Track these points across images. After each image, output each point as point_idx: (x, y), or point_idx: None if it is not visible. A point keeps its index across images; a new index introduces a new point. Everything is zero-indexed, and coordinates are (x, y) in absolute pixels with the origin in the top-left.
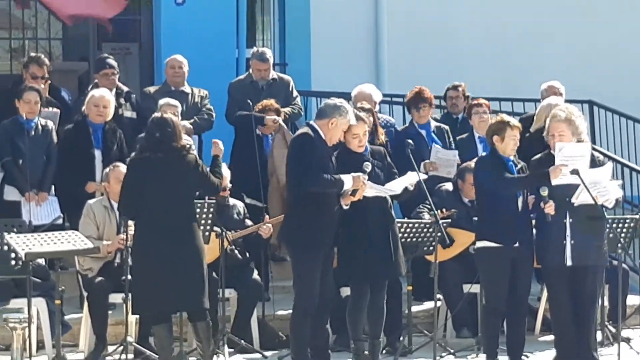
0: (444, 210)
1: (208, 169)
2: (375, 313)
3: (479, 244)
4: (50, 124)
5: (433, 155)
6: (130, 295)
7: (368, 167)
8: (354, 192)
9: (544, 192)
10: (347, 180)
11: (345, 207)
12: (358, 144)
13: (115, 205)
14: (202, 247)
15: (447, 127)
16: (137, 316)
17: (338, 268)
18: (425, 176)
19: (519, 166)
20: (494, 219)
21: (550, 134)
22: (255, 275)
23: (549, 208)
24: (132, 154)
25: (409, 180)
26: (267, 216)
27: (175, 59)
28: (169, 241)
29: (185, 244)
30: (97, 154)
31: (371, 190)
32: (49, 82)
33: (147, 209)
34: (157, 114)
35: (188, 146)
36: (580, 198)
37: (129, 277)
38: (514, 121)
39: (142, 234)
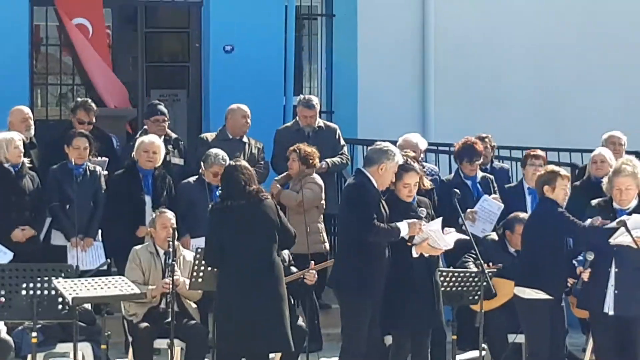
0: (490, 264)
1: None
2: None
3: (523, 294)
4: (98, 169)
5: (479, 203)
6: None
7: (423, 212)
8: (410, 239)
9: (590, 256)
10: (403, 227)
11: (415, 256)
12: (408, 194)
13: (161, 251)
14: (284, 289)
15: (492, 177)
16: None
17: (382, 315)
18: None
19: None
20: (549, 269)
21: (616, 187)
22: (300, 322)
23: (586, 275)
24: (212, 203)
25: (457, 236)
26: (312, 263)
27: (244, 108)
28: (252, 284)
29: (267, 286)
30: (147, 199)
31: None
32: (94, 127)
33: (232, 256)
34: (232, 162)
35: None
36: (618, 239)
37: (174, 321)
38: (564, 171)
39: (226, 278)
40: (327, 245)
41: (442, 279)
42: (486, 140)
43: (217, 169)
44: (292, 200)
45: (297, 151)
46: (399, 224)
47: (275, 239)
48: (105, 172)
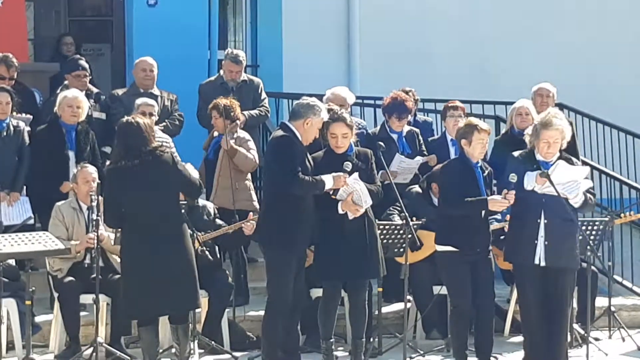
0: (414, 218)
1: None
2: (357, 313)
3: (440, 248)
4: (22, 124)
5: (395, 164)
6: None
7: (348, 166)
8: (335, 192)
9: (513, 178)
10: (328, 180)
11: (341, 212)
12: (335, 144)
13: (84, 206)
14: (190, 248)
15: (417, 130)
16: (108, 316)
17: (313, 267)
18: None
19: (486, 172)
20: (454, 225)
21: (543, 140)
22: (227, 277)
23: (510, 196)
24: (107, 164)
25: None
26: (250, 214)
27: (145, 61)
28: (158, 245)
29: (174, 246)
30: (71, 155)
31: (354, 185)
32: (16, 82)
33: (132, 217)
34: (122, 120)
35: (163, 145)
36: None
37: (99, 276)
38: (483, 124)
39: (130, 242)
40: (255, 203)
41: None
42: (410, 94)
43: (144, 108)
44: (248, 165)
45: (217, 107)
46: (323, 177)
47: (176, 196)
48: (29, 129)
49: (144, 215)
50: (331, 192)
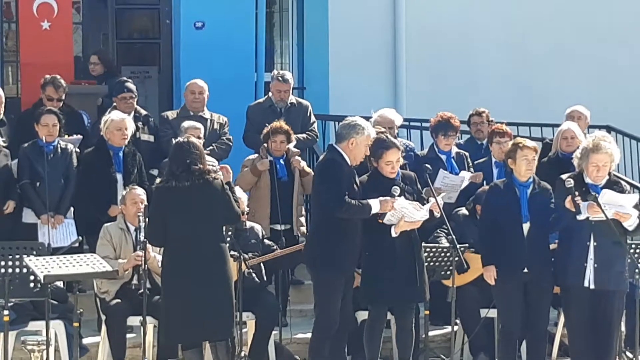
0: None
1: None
2: (404, 336)
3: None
4: (70, 146)
5: (439, 180)
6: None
7: (397, 191)
8: (382, 216)
9: (570, 183)
10: (375, 204)
11: (394, 235)
12: (390, 171)
13: (132, 228)
14: (230, 274)
15: (467, 153)
16: (155, 338)
17: (360, 290)
18: (441, 201)
19: (536, 190)
20: (498, 244)
21: (593, 164)
22: (273, 298)
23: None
24: (157, 181)
25: (428, 207)
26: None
27: (195, 84)
28: (198, 270)
29: (214, 271)
30: (119, 177)
31: (402, 210)
32: (64, 104)
33: (175, 238)
34: (180, 139)
35: (214, 170)
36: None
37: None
38: (527, 142)
39: (171, 262)
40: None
41: None
42: (483, 115)
43: (191, 132)
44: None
45: (281, 130)
46: (370, 201)
47: (220, 222)
48: (78, 150)
49: (187, 237)
50: (378, 217)
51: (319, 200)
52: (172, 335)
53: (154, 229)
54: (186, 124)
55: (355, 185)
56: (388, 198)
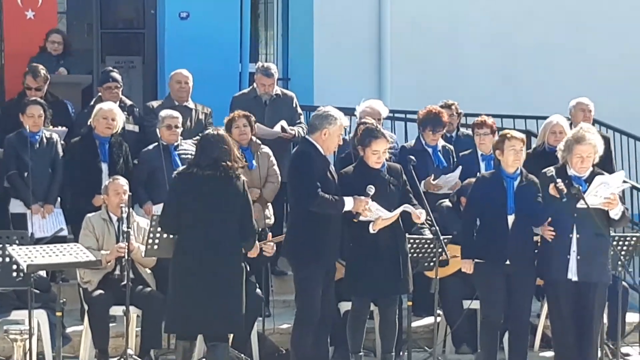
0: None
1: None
2: (388, 328)
3: (464, 261)
4: (55, 136)
5: (442, 180)
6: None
7: (371, 190)
8: (357, 215)
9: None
10: (348, 202)
11: (372, 232)
12: (376, 160)
13: (114, 218)
14: (241, 269)
15: (452, 147)
16: (138, 329)
17: (344, 281)
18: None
19: (523, 183)
20: (482, 236)
21: (577, 155)
22: (257, 289)
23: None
24: (180, 168)
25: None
26: (270, 234)
27: (180, 74)
28: (210, 261)
29: (226, 265)
30: (104, 167)
31: (376, 211)
32: (49, 94)
33: (189, 227)
34: (209, 131)
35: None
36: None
37: (130, 288)
38: (514, 132)
39: (182, 250)
40: (270, 220)
41: None
42: (452, 107)
43: (169, 121)
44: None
45: (247, 118)
46: (345, 198)
47: (236, 219)
48: (63, 142)
49: (202, 228)
50: (354, 213)
51: (293, 193)
52: (172, 324)
53: (168, 214)
54: (163, 112)
55: (330, 175)
56: (362, 197)
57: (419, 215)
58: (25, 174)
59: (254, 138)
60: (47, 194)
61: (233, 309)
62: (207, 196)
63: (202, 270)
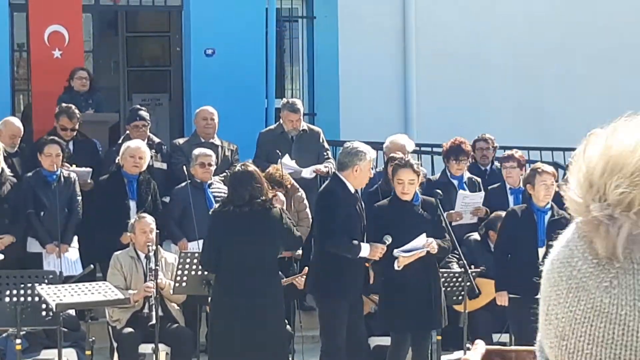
0: (472, 266)
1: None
2: None
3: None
4: (73, 175)
5: (459, 201)
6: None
7: (388, 239)
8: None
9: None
10: (365, 248)
11: (397, 269)
12: (402, 190)
13: (142, 255)
14: (282, 305)
15: (479, 180)
16: None
17: (379, 317)
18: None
19: (555, 217)
20: (513, 269)
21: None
22: (287, 325)
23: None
24: (215, 206)
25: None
26: (306, 269)
27: (206, 110)
28: (249, 298)
29: (265, 300)
30: (132, 204)
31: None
32: (78, 132)
33: (229, 264)
34: (238, 168)
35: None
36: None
37: (158, 326)
38: (545, 167)
39: (222, 289)
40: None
41: None
42: (489, 141)
43: (202, 159)
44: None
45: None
46: (362, 244)
47: (275, 251)
48: (91, 181)
49: (241, 263)
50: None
51: (317, 230)
52: None
53: (208, 255)
54: (197, 151)
55: (358, 211)
56: (379, 245)
57: (430, 244)
58: (42, 213)
59: (291, 180)
60: (63, 233)
61: (273, 348)
62: (244, 232)
63: (241, 309)
